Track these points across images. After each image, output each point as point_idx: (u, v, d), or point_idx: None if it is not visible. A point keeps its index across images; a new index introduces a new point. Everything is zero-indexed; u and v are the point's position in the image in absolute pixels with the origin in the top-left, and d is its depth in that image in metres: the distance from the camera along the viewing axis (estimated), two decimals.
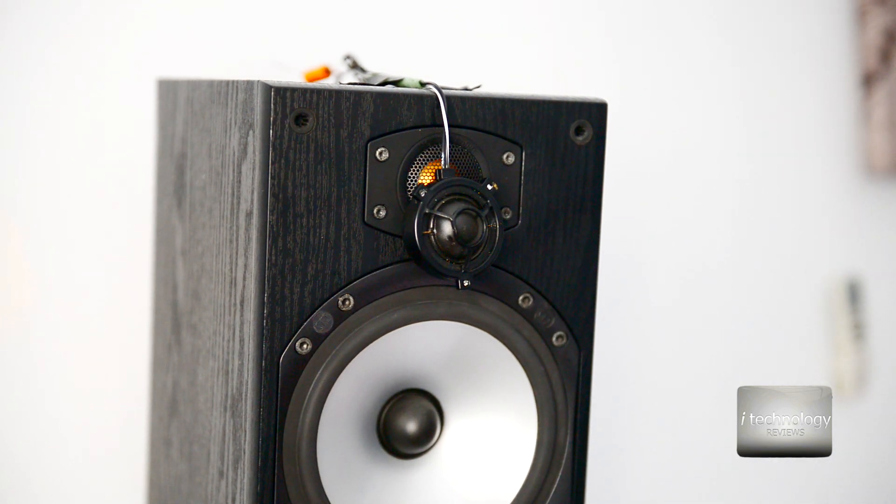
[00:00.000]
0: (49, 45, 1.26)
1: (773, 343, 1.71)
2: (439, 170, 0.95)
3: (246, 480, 0.95)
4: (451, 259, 0.94)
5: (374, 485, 0.99)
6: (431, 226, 0.94)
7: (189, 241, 1.11)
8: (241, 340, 0.96)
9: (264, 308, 0.93)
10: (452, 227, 0.93)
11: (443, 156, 0.95)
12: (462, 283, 0.95)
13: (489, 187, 0.96)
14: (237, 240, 0.97)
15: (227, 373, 0.99)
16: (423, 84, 0.98)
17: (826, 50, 1.70)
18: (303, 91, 0.91)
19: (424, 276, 0.97)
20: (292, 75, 1.16)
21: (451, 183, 0.95)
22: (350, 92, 0.93)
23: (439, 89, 0.96)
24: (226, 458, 1.00)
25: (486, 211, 0.95)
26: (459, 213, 0.93)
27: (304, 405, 0.94)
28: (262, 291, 0.93)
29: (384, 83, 1.01)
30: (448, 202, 0.94)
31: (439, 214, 0.94)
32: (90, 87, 1.28)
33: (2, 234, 1.26)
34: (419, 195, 0.94)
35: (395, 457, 1.01)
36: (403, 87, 0.99)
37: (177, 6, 1.30)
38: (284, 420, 0.94)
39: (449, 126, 0.95)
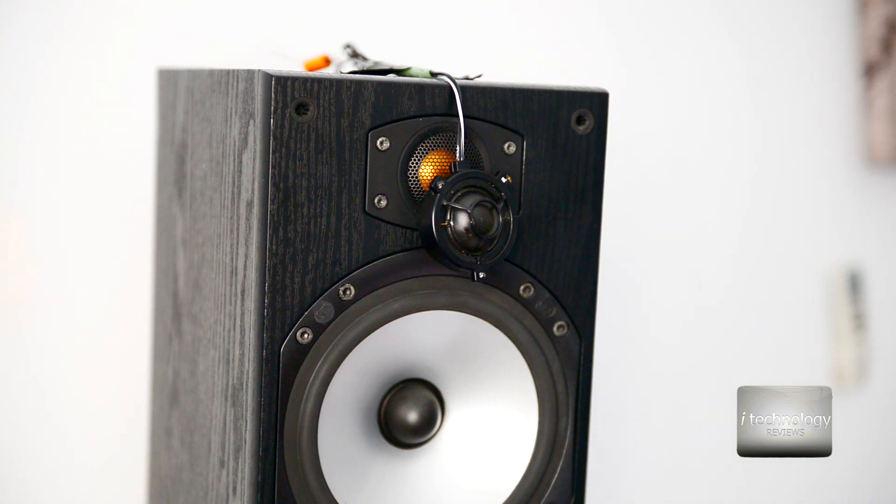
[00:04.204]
0: (50, 34, 1.25)
1: (774, 332, 1.71)
2: (454, 162, 0.95)
3: (247, 470, 0.95)
4: (467, 251, 0.94)
5: (375, 475, 0.99)
6: (448, 217, 0.94)
7: (190, 231, 1.11)
8: (242, 330, 0.96)
9: (265, 298, 0.93)
10: (469, 219, 0.93)
11: (458, 147, 0.95)
12: (478, 276, 0.95)
13: (503, 180, 0.96)
14: (238, 229, 0.97)
15: (227, 362, 0.99)
16: (433, 74, 0.98)
17: (827, 40, 1.69)
18: (304, 80, 0.91)
19: (425, 265, 0.97)
20: (292, 65, 1.16)
21: (468, 175, 0.95)
22: (351, 81, 0.93)
23: (453, 80, 0.95)
24: (227, 447, 1.00)
25: (502, 203, 0.95)
26: (476, 205, 0.94)
27: (305, 395, 0.94)
28: (262, 281, 0.93)
29: (389, 72, 1.01)
30: (464, 194, 0.94)
31: (456, 206, 0.93)
32: (91, 76, 1.27)
33: (1, 223, 1.26)
34: (436, 187, 0.94)
35: (396, 447, 1.00)
36: (411, 76, 0.98)
37: None
38: (285, 410, 0.94)
39: (457, 116, 0.95)
